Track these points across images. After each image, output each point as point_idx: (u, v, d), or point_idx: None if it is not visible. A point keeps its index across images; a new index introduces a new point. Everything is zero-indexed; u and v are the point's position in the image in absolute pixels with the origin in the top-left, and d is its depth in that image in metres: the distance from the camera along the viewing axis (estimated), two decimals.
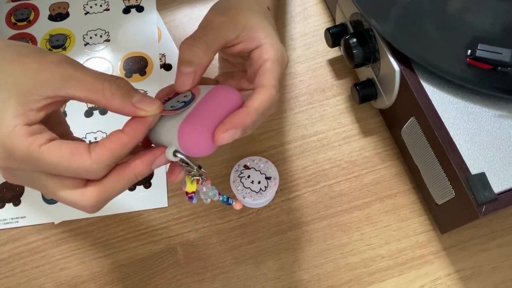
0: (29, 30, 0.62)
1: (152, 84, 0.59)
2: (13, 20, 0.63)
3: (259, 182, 0.52)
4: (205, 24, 0.40)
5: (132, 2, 0.64)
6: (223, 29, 0.39)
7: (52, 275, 0.51)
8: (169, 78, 0.60)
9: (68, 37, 0.62)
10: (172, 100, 0.37)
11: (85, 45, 0.62)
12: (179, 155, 0.34)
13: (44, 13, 0.64)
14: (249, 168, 0.52)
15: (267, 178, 0.52)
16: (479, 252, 0.51)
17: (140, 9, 0.64)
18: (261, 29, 0.41)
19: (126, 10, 0.64)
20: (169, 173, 0.37)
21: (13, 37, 0.62)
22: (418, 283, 0.50)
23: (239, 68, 0.44)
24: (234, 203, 0.39)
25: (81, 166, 0.32)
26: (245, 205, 0.53)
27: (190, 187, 0.37)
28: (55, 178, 0.33)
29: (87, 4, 0.64)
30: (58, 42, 0.62)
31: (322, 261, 0.51)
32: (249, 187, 0.51)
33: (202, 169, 0.36)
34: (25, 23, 0.63)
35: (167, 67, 0.60)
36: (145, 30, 0.62)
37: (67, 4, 0.64)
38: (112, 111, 0.34)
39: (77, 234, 0.53)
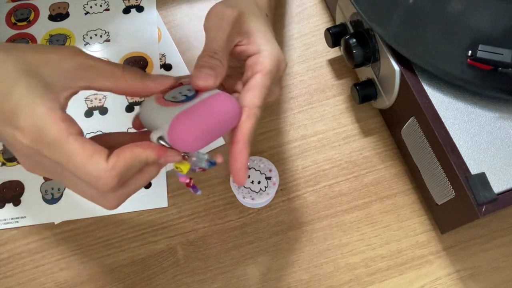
0: (29, 30, 0.62)
1: None
2: (13, 20, 0.63)
3: (259, 182, 0.52)
4: (218, 27, 0.40)
5: (132, 2, 0.64)
6: (233, 32, 0.40)
7: (52, 275, 0.51)
8: None
9: (68, 37, 0.62)
10: (174, 91, 0.38)
11: (85, 45, 0.61)
12: (161, 141, 0.35)
13: (44, 13, 0.63)
14: (249, 168, 0.52)
15: (267, 178, 0.52)
16: (479, 252, 0.51)
17: (140, 9, 0.64)
18: (262, 34, 0.41)
19: (126, 10, 0.64)
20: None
21: (13, 37, 0.62)
22: (418, 283, 0.50)
23: (237, 71, 0.44)
24: (216, 160, 0.39)
25: (92, 170, 0.32)
26: (245, 205, 0.53)
27: (184, 167, 0.37)
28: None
29: (87, 4, 0.64)
30: (58, 42, 0.62)
31: (322, 261, 0.51)
32: (249, 187, 0.51)
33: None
34: (25, 23, 0.63)
35: (167, 67, 0.60)
36: (145, 30, 0.62)
37: (67, 4, 0.64)
38: (133, 93, 0.36)
39: (77, 234, 0.53)
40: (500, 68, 0.43)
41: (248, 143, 0.37)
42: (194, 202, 0.54)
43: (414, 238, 0.52)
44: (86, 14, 0.63)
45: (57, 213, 0.54)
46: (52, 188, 0.55)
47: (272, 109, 0.58)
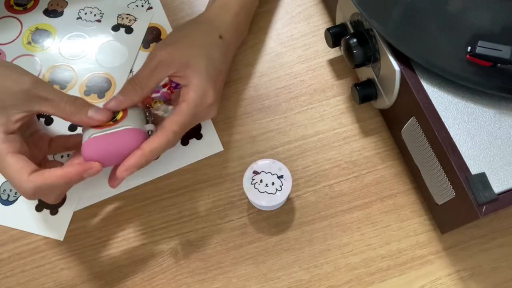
0: (20, 16, 0.62)
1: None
2: (12, 2, 0.63)
3: (273, 184, 0.50)
4: (148, 62, 0.48)
5: (125, 22, 0.62)
6: (160, 68, 0.47)
7: (52, 275, 0.51)
8: None
9: (51, 34, 0.62)
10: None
11: (61, 47, 0.61)
12: None
13: (42, 5, 0.63)
14: (259, 173, 0.51)
15: (279, 177, 0.50)
16: (479, 252, 0.51)
17: (129, 30, 0.62)
18: (192, 68, 0.48)
19: (116, 28, 0.62)
20: (109, 179, 0.47)
21: (4, 17, 0.62)
22: (418, 283, 0.50)
23: None
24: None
25: (18, 180, 0.43)
26: (262, 209, 0.53)
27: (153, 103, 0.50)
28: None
29: (83, 9, 0.63)
30: (41, 37, 0.61)
31: (322, 261, 0.51)
32: (265, 191, 0.50)
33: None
34: (21, 8, 0.63)
35: None
36: (122, 53, 0.60)
37: (66, 3, 0.63)
38: (74, 123, 0.48)
39: (77, 234, 0.53)
40: (499, 64, 0.43)
41: (146, 156, 0.45)
42: (194, 202, 0.54)
43: (414, 238, 0.52)
44: (77, 19, 0.62)
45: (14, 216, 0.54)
46: (10, 190, 0.55)
47: (272, 109, 0.58)
